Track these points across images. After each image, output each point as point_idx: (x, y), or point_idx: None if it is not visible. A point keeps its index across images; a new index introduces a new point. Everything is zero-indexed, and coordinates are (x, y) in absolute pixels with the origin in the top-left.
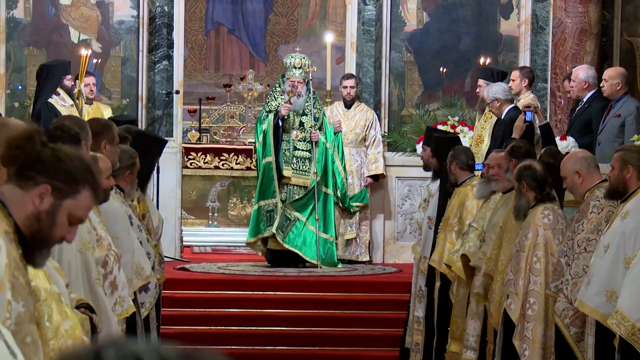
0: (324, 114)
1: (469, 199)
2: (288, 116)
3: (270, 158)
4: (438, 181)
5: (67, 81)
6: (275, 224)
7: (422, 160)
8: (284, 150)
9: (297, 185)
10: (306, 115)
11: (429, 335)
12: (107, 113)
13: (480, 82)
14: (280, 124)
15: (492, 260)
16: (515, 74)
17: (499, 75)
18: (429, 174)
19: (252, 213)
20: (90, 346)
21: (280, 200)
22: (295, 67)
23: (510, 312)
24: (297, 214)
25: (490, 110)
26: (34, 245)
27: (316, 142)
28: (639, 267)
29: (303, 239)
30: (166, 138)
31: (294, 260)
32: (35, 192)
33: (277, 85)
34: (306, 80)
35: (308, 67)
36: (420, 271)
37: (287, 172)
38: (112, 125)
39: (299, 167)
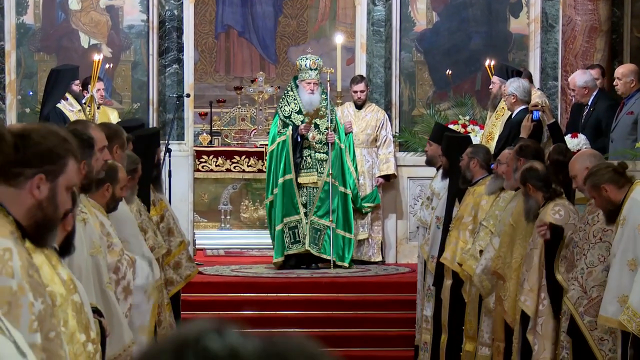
0: (335, 115)
1: (484, 198)
2: (302, 121)
3: (290, 175)
4: (442, 180)
5: (75, 86)
6: (307, 240)
7: (427, 155)
8: (305, 157)
9: (316, 188)
10: (319, 117)
11: (438, 334)
12: (113, 117)
13: (495, 79)
14: (299, 140)
15: (501, 258)
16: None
17: (513, 73)
18: (439, 173)
19: (276, 234)
20: (189, 333)
21: (302, 204)
22: (311, 69)
23: (527, 308)
24: (324, 222)
25: (504, 101)
26: (40, 231)
27: (332, 144)
28: None
29: (338, 246)
30: (177, 142)
31: (309, 260)
32: (32, 184)
33: (288, 88)
34: (320, 81)
35: (324, 68)
36: (428, 270)
37: (309, 178)
38: (122, 131)
39: (317, 169)
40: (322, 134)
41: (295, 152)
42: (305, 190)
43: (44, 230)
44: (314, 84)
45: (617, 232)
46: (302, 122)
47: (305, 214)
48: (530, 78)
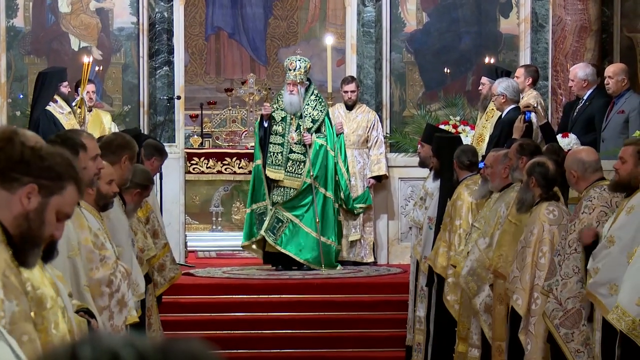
0: (326, 115)
1: (460, 198)
2: (284, 119)
3: (259, 161)
4: (434, 180)
5: (64, 88)
6: (264, 225)
7: (419, 157)
8: (275, 153)
9: (292, 188)
10: (303, 117)
11: (430, 334)
12: (106, 120)
13: (484, 79)
14: (265, 124)
15: (502, 257)
16: (520, 71)
17: (502, 73)
18: (431, 174)
19: (246, 216)
20: (67, 344)
21: (275, 202)
22: (289, 69)
23: (518, 307)
24: (289, 215)
25: (493, 102)
26: (24, 245)
27: (310, 145)
28: None
29: (298, 242)
30: (168, 144)
31: (293, 261)
32: (23, 192)
33: (283, 90)
34: (297, 81)
35: (302, 69)
36: (421, 271)
37: (276, 174)
38: (134, 143)
39: (293, 170)
40: (300, 134)
41: (265, 138)
42: (281, 189)
43: (28, 244)
44: (292, 84)
45: (619, 219)
46: (283, 118)
47: (274, 204)
48: (537, 72)
